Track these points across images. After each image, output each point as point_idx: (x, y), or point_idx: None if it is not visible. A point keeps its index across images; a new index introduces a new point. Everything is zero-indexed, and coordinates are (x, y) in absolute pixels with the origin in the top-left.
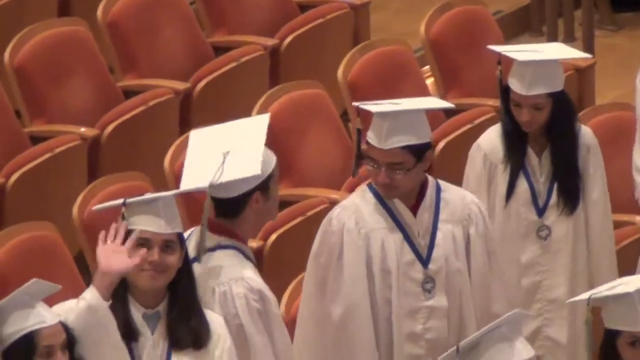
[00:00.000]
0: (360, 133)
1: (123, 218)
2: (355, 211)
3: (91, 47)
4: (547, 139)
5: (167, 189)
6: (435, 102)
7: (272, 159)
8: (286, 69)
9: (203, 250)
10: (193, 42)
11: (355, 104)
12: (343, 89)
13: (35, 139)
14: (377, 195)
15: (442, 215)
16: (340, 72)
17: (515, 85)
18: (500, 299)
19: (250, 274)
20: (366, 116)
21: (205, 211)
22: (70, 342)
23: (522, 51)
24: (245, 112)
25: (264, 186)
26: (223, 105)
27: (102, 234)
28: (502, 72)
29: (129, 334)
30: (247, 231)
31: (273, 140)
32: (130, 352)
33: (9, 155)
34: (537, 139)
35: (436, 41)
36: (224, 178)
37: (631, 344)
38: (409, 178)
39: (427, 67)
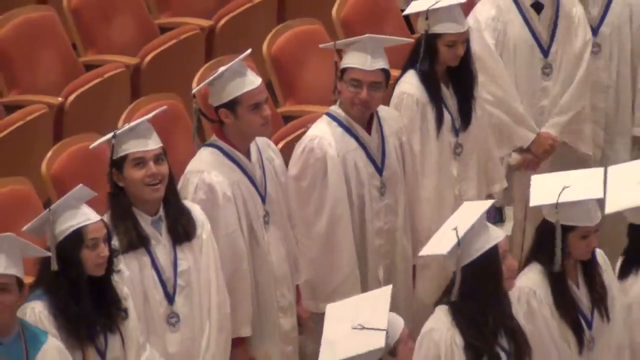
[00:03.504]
0: (337, 65)
1: (112, 148)
2: (331, 139)
3: None
4: (449, 72)
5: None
6: (396, 40)
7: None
8: (222, 41)
9: (197, 145)
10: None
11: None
12: (267, 61)
13: (88, 67)
14: (339, 122)
15: (385, 131)
16: (265, 45)
17: (449, 27)
18: (428, 189)
19: (208, 168)
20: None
21: (195, 115)
22: (110, 236)
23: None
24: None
25: (229, 106)
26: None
27: None
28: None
29: (144, 241)
30: (235, 137)
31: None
32: (149, 254)
33: (66, 80)
34: (443, 75)
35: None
36: None
37: None
38: (380, 97)
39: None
